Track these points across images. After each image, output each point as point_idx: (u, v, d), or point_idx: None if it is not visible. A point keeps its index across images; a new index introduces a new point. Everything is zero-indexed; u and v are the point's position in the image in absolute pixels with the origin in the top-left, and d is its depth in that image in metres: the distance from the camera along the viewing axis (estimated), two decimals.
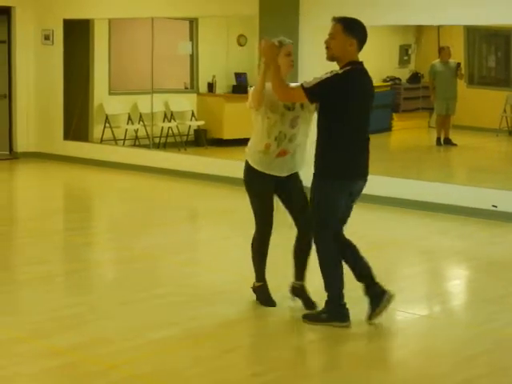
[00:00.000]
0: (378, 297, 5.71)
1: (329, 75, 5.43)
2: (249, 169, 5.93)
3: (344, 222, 5.76)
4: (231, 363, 5.06)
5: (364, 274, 5.76)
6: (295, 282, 6.09)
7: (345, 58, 5.47)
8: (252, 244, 6.06)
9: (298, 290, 6.08)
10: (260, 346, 5.57)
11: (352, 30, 5.45)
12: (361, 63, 5.54)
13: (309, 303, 6.00)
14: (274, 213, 5.96)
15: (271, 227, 5.97)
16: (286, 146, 5.79)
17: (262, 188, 5.90)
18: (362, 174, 5.65)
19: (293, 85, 5.69)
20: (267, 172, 5.84)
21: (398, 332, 5.89)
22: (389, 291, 5.72)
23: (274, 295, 6.08)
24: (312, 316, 5.73)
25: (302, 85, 5.48)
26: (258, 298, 6.10)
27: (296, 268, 6.07)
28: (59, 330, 5.50)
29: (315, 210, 5.63)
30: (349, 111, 5.46)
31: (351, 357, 5.34)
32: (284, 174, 5.88)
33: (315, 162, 5.59)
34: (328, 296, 5.67)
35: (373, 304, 5.72)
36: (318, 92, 5.44)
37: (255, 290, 6.13)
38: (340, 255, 5.66)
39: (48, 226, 8.98)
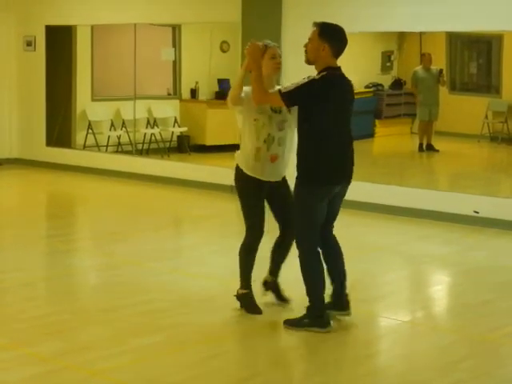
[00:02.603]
0: (339, 306, 5.84)
1: (306, 80, 5.50)
2: (241, 174, 5.90)
3: (333, 220, 5.81)
4: (215, 369, 5.06)
5: (337, 280, 5.84)
6: (269, 277, 6.16)
7: (320, 63, 5.53)
8: (240, 250, 6.01)
9: (271, 285, 6.16)
10: (244, 351, 5.58)
11: (326, 35, 5.50)
12: (338, 68, 5.58)
13: (281, 298, 6.11)
14: (266, 219, 5.96)
15: (262, 234, 5.94)
16: (275, 149, 5.82)
17: (256, 193, 5.88)
18: (345, 177, 5.68)
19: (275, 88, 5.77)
20: (261, 178, 5.84)
21: (380, 338, 5.91)
22: (349, 311, 5.83)
23: (259, 300, 6.08)
24: (293, 321, 5.72)
25: (279, 90, 5.56)
26: (242, 306, 6.06)
27: (274, 264, 6.13)
28: (42, 337, 5.49)
29: (298, 217, 5.65)
30: (327, 115, 5.49)
31: (335, 362, 5.35)
32: (276, 179, 5.91)
33: (298, 167, 5.61)
34: (309, 301, 5.69)
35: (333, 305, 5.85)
36: (294, 97, 5.49)
37: (239, 297, 6.07)
38: (321, 261, 5.68)
39: (30, 232, 8.94)
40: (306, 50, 5.57)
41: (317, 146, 5.52)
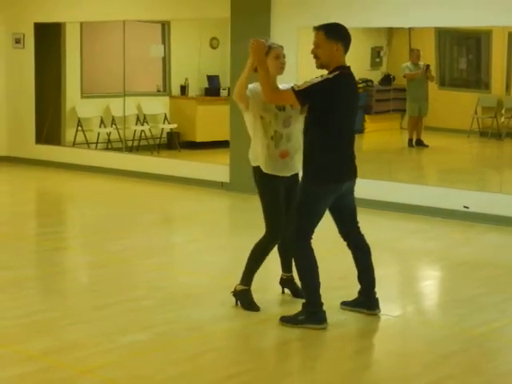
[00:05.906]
0: (367, 304, 5.97)
1: (319, 79, 5.51)
2: (259, 173, 5.88)
3: (353, 218, 5.93)
4: (205, 366, 5.06)
5: (364, 279, 5.99)
6: (283, 274, 6.27)
7: (333, 64, 5.54)
8: (255, 249, 5.94)
9: (286, 281, 6.26)
10: (234, 347, 5.57)
11: (335, 34, 5.53)
12: (348, 67, 5.62)
13: (297, 293, 6.13)
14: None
15: (280, 236, 5.90)
16: (284, 145, 5.81)
17: (275, 191, 5.86)
18: (351, 174, 5.75)
19: (282, 86, 5.77)
20: (276, 173, 5.83)
21: (370, 333, 5.92)
22: (378, 309, 5.96)
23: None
24: (289, 318, 5.73)
25: (292, 87, 5.53)
26: (239, 302, 6.02)
27: (284, 261, 6.20)
28: (32, 335, 5.48)
29: (297, 214, 5.64)
30: (338, 114, 5.53)
31: (325, 358, 5.36)
32: (292, 173, 5.91)
33: (304, 165, 5.64)
34: (305, 298, 5.71)
35: (361, 304, 6.00)
36: (309, 95, 5.49)
37: (237, 293, 6.03)
38: (315, 258, 5.66)
39: (20, 230, 8.93)
40: (315, 56, 5.54)
41: (328, 144, 5.56)
